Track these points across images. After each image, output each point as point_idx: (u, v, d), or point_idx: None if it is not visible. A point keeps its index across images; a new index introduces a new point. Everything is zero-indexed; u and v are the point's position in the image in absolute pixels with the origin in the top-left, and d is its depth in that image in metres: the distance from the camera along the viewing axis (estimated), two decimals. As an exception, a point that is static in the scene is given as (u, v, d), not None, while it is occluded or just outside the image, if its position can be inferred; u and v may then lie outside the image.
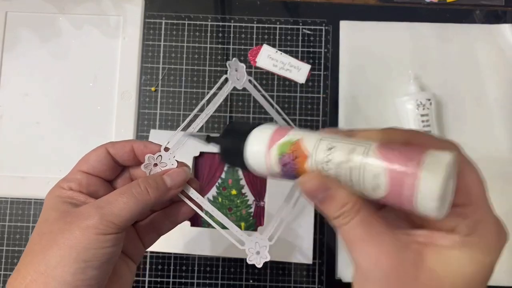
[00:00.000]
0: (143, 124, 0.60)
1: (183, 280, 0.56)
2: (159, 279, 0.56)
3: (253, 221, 0.56)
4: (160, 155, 0.33)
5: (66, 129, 0.60)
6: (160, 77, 0.61)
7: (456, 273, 0.23)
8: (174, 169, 0.32)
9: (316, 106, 0.60)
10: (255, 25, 0.62)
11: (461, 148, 0.25)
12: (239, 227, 0.56)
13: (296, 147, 0.25)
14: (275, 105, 0.40)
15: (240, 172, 0.58)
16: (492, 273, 0.25)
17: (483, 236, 0.23)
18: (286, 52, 0.61)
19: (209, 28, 0.62)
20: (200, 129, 0.36)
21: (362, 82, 0.60)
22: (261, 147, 0.27)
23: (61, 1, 0.62)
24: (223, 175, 0.58)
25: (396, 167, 0.22)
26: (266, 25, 0.62)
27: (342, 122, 0.59)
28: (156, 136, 0.59)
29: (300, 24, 0.62)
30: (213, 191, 0.57)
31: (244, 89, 0.39)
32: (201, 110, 0.37)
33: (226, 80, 0.37)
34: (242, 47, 0.62)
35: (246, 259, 0.56)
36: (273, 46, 0.62)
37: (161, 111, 0.60)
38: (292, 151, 0.25)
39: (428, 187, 0.21)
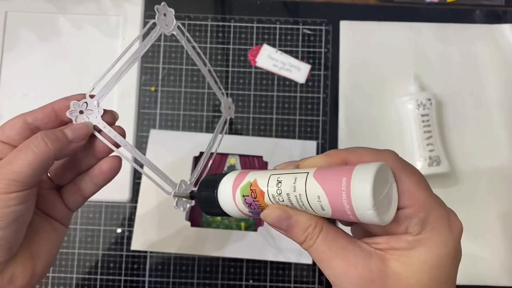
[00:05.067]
0: (143, 124, 0.60)
1: (183, 280, 0.56)
2: (159, 279, 0.56)
3: (253, 221, 0.56)
4: (85, 102, 0.32)
5: (66, 129, 0.60)
6: (160, 77, 0.61)
7: (418, 271, 0.25)
8: (76, 123, 0.32)
9: (316, 106, 0.60)
10: (255, 25, 0.62)
11: (397, 155, 0.26)
12: (239, 227, 0.56)
13: (254, 187, 0.28)
14: (206, 61, 0.39)
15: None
16: (458, 258, 0.26)
17: (433, 230, 0.25)
18: (286, 52, 0.61)
19: (209, 28, 0.62)
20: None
21: (362, 82, 0.60)
22: (228, 194, 0.29)
23: (61, 1, 0.62)
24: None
25: (330, 187, 0.24)
26: (266, 25, 0.62)
27: (342, 122, 0.59)
28: (156, 136, 0.59)
29: (300, 24, 0.62)
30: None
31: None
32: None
33: (155, 25, 0.35)
34: (242, 47, 0.62)
35: (245, 259, 0.56)
36: (273, 46, 0.62)
37: (161, 111, 0.60)
38: (251, 191, 0.28)
39: (360, 197, 0.23)
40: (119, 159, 0.34)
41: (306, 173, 0.26)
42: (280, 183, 0.26)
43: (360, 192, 0.23)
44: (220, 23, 0.62)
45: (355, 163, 0.25)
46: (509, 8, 0.62)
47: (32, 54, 0.61)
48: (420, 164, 0.55)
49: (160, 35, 0.36)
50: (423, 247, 0.25)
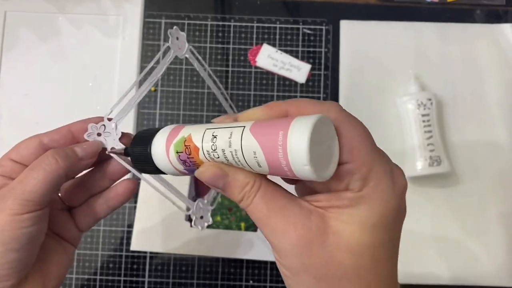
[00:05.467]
0: (143, 124, 0.60)
1: (183, 281, 0.56)
2: (159, 280, 0.56)
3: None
4: (103, 125, 0.33)
5: (66, 129, 0.59)
6: (160, 77, 0.61)
7: (359, 230, 0.23)
8: (86, 142, 0.32)
9: (316, 106, 0.60)
10: (255, 24, 0.62)
11: (340, 107, 0.25)
12: (239, 227, 0.56)
13: (188, 143, 0.26)
14: (217, 80, 0.40)
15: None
16: (401, 216, 0.25)
17: (375, 186, 0.23)
18: (286, 51, 0.61)
19: (209, 28, 0.62)
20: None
21: (363, 82, 0.60)
22: (162, 150, 0.28)
23: (61, 1, 0.62)
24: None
25: (267, 141, 0.22)
26: (266, 25, 0.62)
27: (343, 122, 0.59)
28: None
29: (300, 23, 0.62)
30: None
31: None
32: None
33: (169, 49, 0.36)
34: (242, 46, 0.62)
35: (245, 259, 0.56)
36: (273, 45, 0.61)
37: (160, 111, 0.60)
38: (185, 147, 0.26)
39: (296, 152, 0.21)
40: (134, 182, 0.34)
41: (243, 127, 0.24)
42: (215, 138, 0.25)
43: (296, 147, 0.21)
44: (220, 23, 0.62)
45: (296, 116, 0.23)
46: (510, 7, 0.62)
47: (32, 54, 0.61)
48: (420, 164, 0.55)
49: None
50: (364, 205, 0.23)
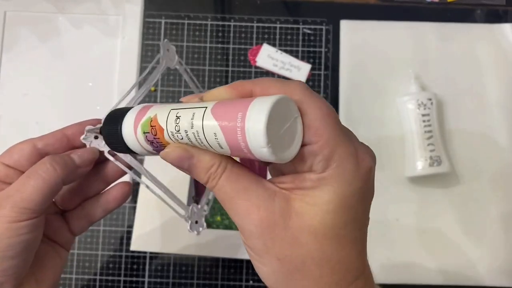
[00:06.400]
0: (143, 124, 0.60)
1: (183, 281, 0.56)
2: (158, 280, 0.56)
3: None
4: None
5: (66, 129, 0.59)
6: (160, 77, 0.61)
7: (322, 212, 0.23)
8: (82, 148, 0.32)
9: (316, 106, 0.60)
10: (255, 24, 0.62)
11: (305, 86, 0.24)
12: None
13: (154, 123, 0.25)
14: (200, 88, 0.41)
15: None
16: (367, 198, 0.25)
17: (338, 168, 0.23)
18: (286, 51, 0.61)
19: (209, 28, 0.62)
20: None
21: (363, 82, 0.60)
22: (130, 130, 0.27)
23: (60, 1, 0.62)
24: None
25: (226, 123, 0.22)
26: (266, 25, 0.62)
27: (342, 122, 0.58)
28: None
29: (300, 23, 0.62)
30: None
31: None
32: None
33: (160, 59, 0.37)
34: (242, 46, 0.62)
35: (245, 259, 0.56)
36: (273, 45, 0.61)
37: (160, 111, 0.60)
38: (151, 128, 0.26)
39: (253, 134, 0.21)
40: (129, 185, 0.34)
41: (205, 108, 0.23)
42: (178, 119, 0.24)
43: (253, 129, 0.21)
44: (220, 23, 0.62)
45: (258, 96, 0.22)
46: (510, 7, 0.62)
47: (32, 54, 0.61)
48: (420, 164, 0.55)
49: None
50: (327, 186, 0.23)
